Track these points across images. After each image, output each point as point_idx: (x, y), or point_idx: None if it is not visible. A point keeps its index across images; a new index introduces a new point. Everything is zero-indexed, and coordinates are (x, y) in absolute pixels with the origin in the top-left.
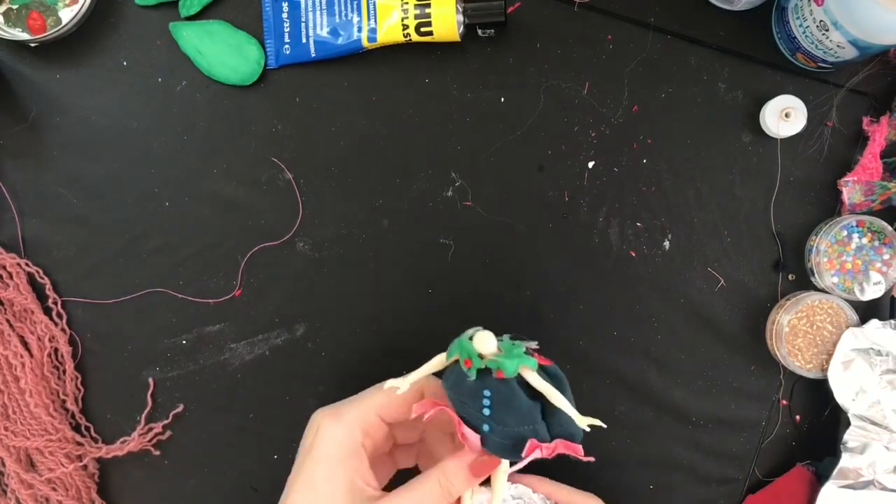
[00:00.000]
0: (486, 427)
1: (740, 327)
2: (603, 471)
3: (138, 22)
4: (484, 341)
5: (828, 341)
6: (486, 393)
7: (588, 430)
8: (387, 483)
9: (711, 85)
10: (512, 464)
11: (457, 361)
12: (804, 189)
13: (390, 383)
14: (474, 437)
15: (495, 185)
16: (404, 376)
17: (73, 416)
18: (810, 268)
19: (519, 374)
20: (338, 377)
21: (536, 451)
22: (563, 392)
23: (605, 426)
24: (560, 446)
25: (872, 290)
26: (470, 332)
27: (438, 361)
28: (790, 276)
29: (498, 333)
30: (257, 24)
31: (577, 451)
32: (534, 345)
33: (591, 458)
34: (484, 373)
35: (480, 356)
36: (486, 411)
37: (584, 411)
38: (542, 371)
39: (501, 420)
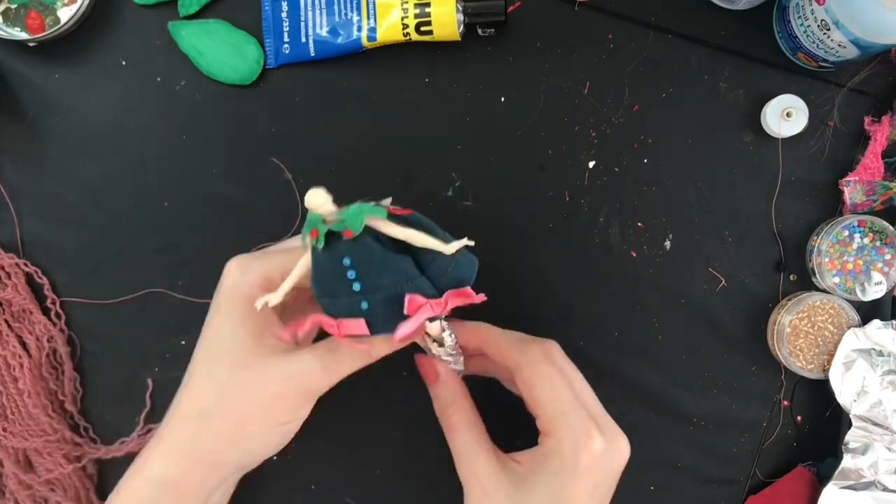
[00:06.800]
0: (363, 305)
1: (741, 327)
2: None
3: (137, 21)
4: (314, 196)
5: (829, 342)
6: (346, 261)
7: (453, 252)
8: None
9: (712, 84)
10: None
11: (314, 251)
12: (805, 189)
13: (262, 299)
14: (358, 328)
15: (495, 185)
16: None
17: (71, 416)
18: (812, 268)
19: (375, 231)
20: None
21: (425, 308)
22: (427, 232)
23: (472, 243)
24: (452, 297)
25: (874, 291)
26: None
27: (304, 260)
28: (791, 277)
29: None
30: (256, 23)
31: (469, 296)
32: (387, 202)
33: (484, 297)
34: (335, 239)
35: (324, 221)
36: (356, 286)
37: None
38: (401, 220)
39: (374, 286)
